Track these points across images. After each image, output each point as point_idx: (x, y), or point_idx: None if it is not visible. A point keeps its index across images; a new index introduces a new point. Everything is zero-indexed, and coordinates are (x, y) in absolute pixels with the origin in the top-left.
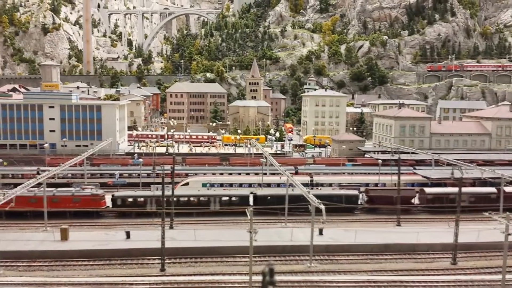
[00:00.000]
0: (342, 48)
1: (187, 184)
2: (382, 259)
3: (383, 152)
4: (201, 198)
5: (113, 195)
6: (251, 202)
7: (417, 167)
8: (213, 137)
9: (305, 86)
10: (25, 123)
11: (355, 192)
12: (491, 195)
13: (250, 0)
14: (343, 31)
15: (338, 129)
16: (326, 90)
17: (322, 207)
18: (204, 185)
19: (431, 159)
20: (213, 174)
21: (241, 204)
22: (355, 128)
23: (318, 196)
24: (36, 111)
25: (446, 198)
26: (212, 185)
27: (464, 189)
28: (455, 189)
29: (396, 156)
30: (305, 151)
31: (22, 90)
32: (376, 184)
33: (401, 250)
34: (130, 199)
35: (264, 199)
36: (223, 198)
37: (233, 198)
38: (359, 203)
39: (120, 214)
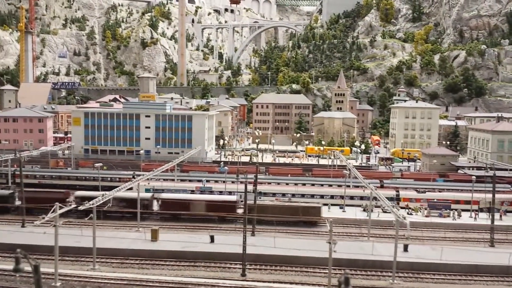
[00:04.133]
0: (436, 58)
1: (131, 188)
2: (471, 280)
3: (479, 168)
4: None
5: None
6: None
7: None
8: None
9: (394, 97)
10: (124, 130)
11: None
12: (145, 201)
13: (339, 11)
14: (437, 40)
15: (429, 143)
16: (417, 102)
17: (407, 222)
18: (147, 190)
19: None
20: (287, 184)
21: None
22: (448, 142)
23: None
24: (134, 120)
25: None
26: (156, 190)
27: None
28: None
29: (491, 173)
30: (393, 164)
31: (122, 100)
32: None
33: (493, 272)
34: None
35: None
36: None
37: None
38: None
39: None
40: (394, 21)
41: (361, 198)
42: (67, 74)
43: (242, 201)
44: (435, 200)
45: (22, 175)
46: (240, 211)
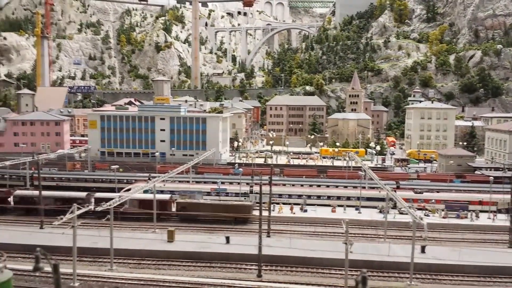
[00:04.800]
0: (451, 58)
1: (129, 189)
2: (490, 281)
3: (496, 169)
4: None
5: None
6: None
7: None
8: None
9: (409, 98)
10: (139, 133)
11: None
12: (79, 199)
13: (352, 12)
14: (452, 41)
15: (445, 144)
16: (432, 102)
17: (424, 222)
18: (145, 191)
19: None
20: (303, 185)
21: None
22: (465, 143)
23: None
24: (149, 122)
25: None
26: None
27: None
28: None
29: (509, 173)
30: (409, 165)
31: (137, 103)
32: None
33: None
34: None
35: None
36: None
37: None
38: None
39: None
40: (408, 21)
41: (377, 199)
42: (83, 78)
43: (176, 200)
44: (433, 201)
45: (40, 178)
46: (173, 209)
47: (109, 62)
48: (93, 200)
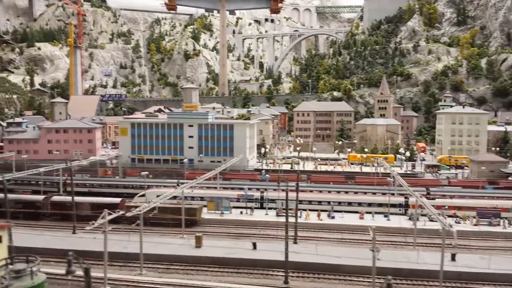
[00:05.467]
0: (483, 62)
1: (143, 195)
2: None
3: None
4: None
5: None
6: None
7: None
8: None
9: (440, 103)
10: (168, 140)
11: None
12: (38, 203)
13: (380, 17)
14: (483, 44)
15: (477, 149)
16: (464, 107)
17: (454, 230)
18: (158, 196)
19: None
20: (331, 191)
21: None
22: (497, 148)
23: None
24: (178, 129)
25: None
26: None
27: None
28: None
29: None
30: (439, 172)
31: (166, 110)
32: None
33: None
34: None
35: None
36: None
37: None
38: None
39: None
40: (438, 25)
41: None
42: (114, 86)
43: (126, 203)
44: (446, 207)
45: (73, 184)
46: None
47: (139, 71)
48: (49, 203)
